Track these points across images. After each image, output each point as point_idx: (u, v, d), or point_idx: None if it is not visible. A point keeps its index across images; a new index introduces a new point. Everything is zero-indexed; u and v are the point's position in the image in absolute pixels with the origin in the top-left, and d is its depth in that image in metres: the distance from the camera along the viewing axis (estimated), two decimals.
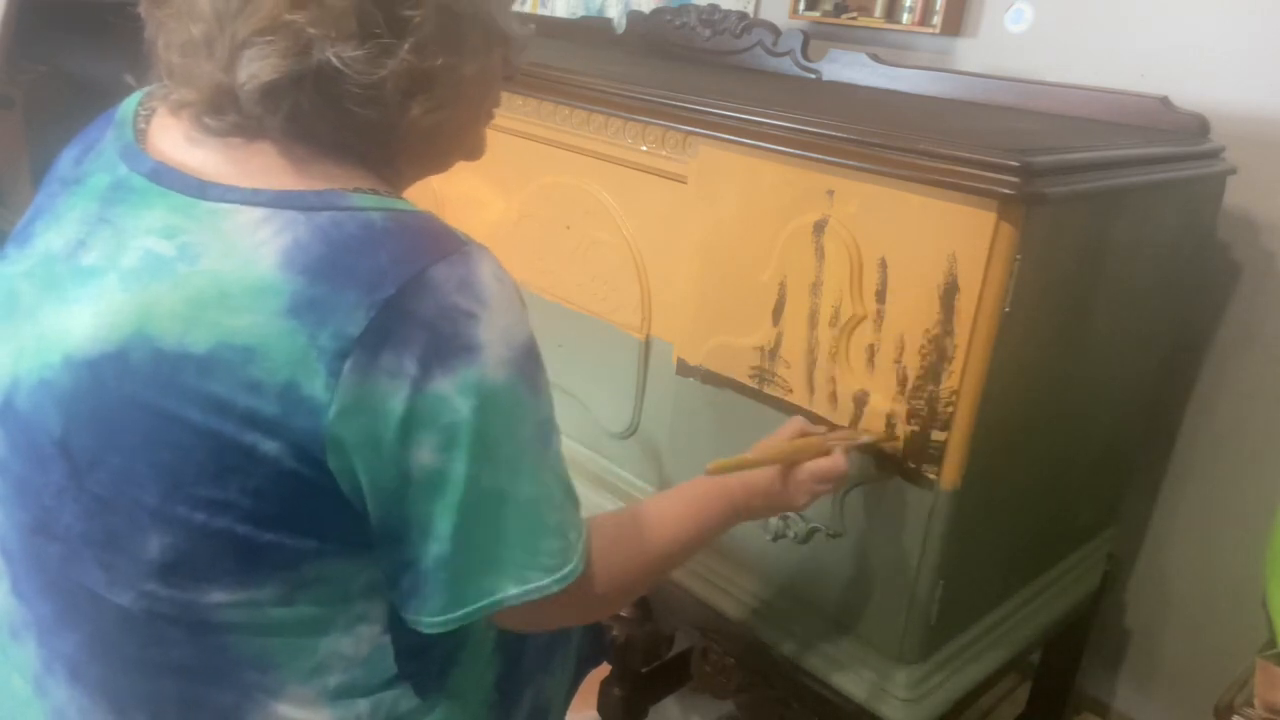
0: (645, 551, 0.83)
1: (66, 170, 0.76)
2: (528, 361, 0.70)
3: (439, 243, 0.66)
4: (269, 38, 0.63)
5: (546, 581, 0.70)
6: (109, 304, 0.66)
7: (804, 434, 1.01)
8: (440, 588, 0.69)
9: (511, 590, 0.69)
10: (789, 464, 0.96)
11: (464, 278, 0.65)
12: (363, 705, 0.74)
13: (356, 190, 0.68)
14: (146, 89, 0.77)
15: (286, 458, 0.64)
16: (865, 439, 1.06)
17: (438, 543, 0.67)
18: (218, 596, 0.67)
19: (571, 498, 0.74)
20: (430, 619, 0.70)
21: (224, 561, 0.66)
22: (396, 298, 0.63)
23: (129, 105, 0.76)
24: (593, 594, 0.76)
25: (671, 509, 0.89)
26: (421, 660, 0.78)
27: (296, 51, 0.64)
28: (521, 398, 0.69)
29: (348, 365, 0.62)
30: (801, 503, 0.97)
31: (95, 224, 0.70)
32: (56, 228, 0.72)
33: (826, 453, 0.98)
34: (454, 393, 0.65)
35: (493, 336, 0.66)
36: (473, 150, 0.82)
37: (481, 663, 0.87)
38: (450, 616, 0.69)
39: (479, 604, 0.69)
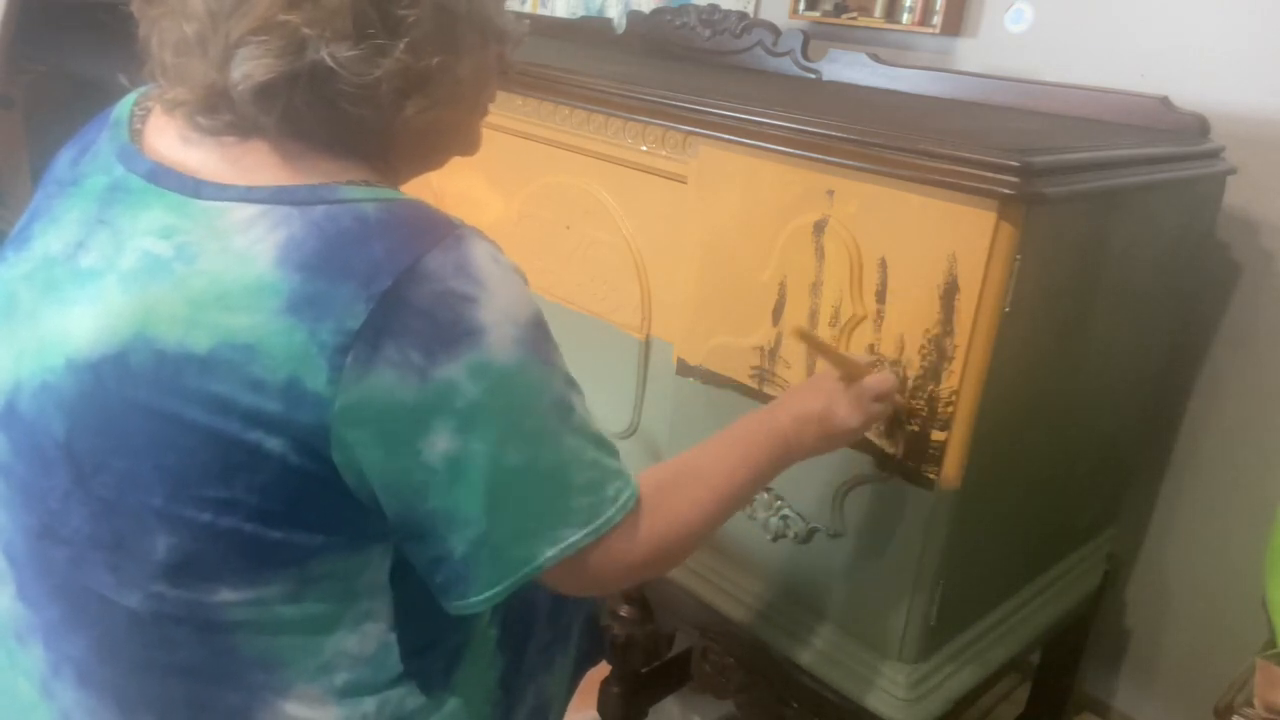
0: (696, 498, 0.80)
1: (63, 172, 0.76)
2: (535, 335, 0.69)
3: (432, 230, 0.66)
4: (263, 37, 0.63)
5: (578, 536, 0.70)
6: (109, 306, 0.65)
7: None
8: (480, 567, 0.68)
9: (548, 551, 0.69)
10: (846, 378, 0.93)
11: (459, 262, 0.65)
12: (369, 703, 0.74)
13: (349, 183, 0.68)
14: (142, 89, 0.77)
15: (291, 454, 0.64)
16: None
17: (470, 526, 0.67)
18: (226, 596, 0.67)
19: (605, 449, 0.73)
20: (476, 598, 0.69)
21: (232, 560, 0.66)
22: (393, 289, 0.63)
23: (124, 106, 0.76)
24: (641, 544, 0.74)
25: (720, 452, 0.86)
26: (427, 658, 0.78)
27: (291, 51, 0.64)
28: (534, 373, 0.69)
29: (349, 359, 0.62)
30: (858, 422, 0.93)
31: (94, 225, 0.70)
32: (55, 230, 0.72)
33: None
34: (464, 377, 0.65)
35: (496, 317, 0.66)
36: (468, 146, 0.81)
37: (485, 660, 0.88)
38: (495, 591, 0.69)
39: (520, 572, 0.69)
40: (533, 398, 0.69)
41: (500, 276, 0.68)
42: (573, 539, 0.70)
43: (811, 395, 0.93)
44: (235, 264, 0.64)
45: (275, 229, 0.65)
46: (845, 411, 0.92)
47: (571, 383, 0.73)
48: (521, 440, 0.68)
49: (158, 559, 0.66)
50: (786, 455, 0.90)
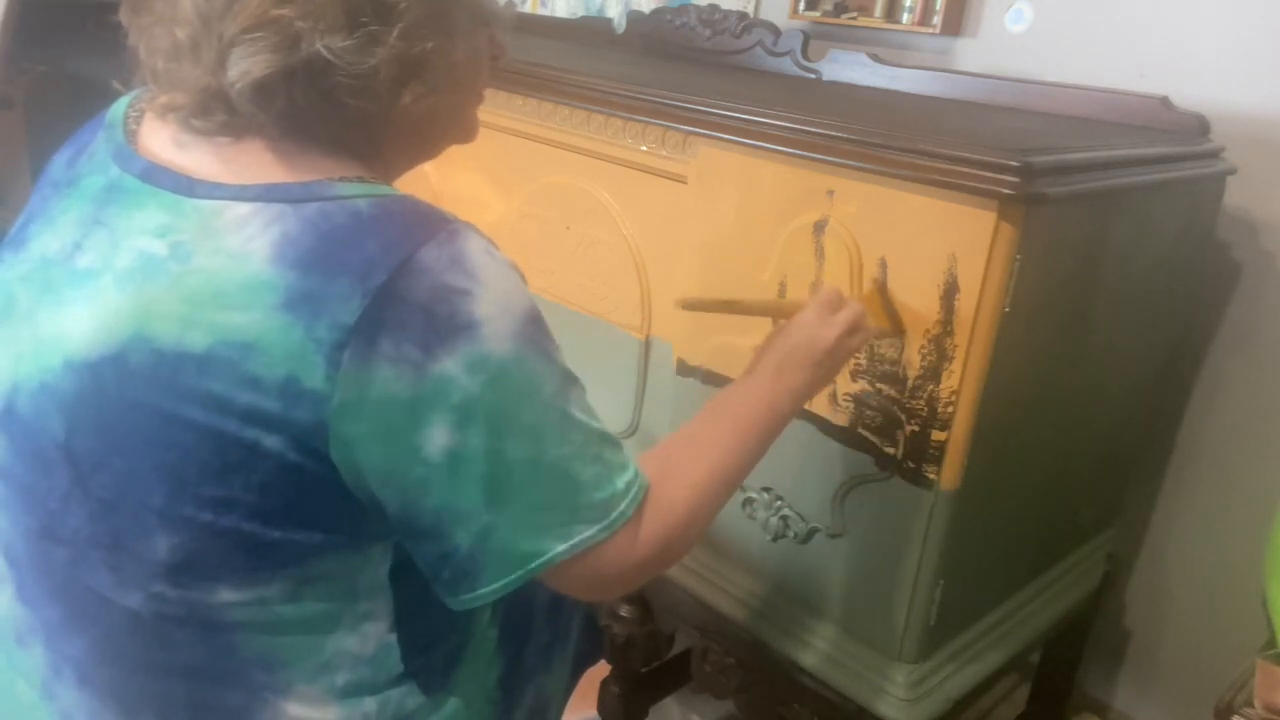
0: (695, 483, 0.78)
1: (59, 173, 0.76)
2: (532, 329, 0.69)
3: (425, 224, 0.66)
4: (257, 34, 0.63)
5: (593, 531, 0.70)
6: (105, 306, 0.66)
7: None
8: (487, 562, 0.68)
9: (559, 547, 0.69)
10: (783, 315, 0.90)
11: (453, 256, 0.65)
12: (370, 703, 0.74)
13: (342, 179, 0.68)
14: (136, 91, 0.77)
15: (289, 452, 0.64)
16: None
17: (473, 520, 0.67)
18: (226, 595, 0.67)
19: (609, 444, 0.73)
20: (484, 590, 0.69)
21: (232, 560, 0.67)
22: (388, 284, 0.63)
23: (119, 107, 0.76)
24: (646, 539, 0.73)
25: (710, 429, 0.83)
26: (427, 657, 0.78)
27: (286, 46, 0.64)
28: (531, 366, 0.68)
29: (346, 355, 0.62)
30: (834, 336, 0.88)
31: (90, 226, 0.70)
32: (51, 231, 0.72)
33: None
34: (461, 371, 0.64)
35: (491, 310, 0.66)
36: (465, 134, 0.81)
37: (485, 661, 0.88)
38: (503, 584, 0.69)
39: (528, 566, 0.68)
40: (531, 391, 0.68)
41: (495, 270, 0.67)
42: (585, 534, 0.69)
43: (779, 340, 0.90)
44: (230, 262, 0.64)
45: (269, 226, 0.65)
46: (813, 332, 0.89)
47: (571, 377, 0.72)
48: (522, 434, 0.68)
49: (158, 559, 0.66)
50: (776, 412, 0.86)
